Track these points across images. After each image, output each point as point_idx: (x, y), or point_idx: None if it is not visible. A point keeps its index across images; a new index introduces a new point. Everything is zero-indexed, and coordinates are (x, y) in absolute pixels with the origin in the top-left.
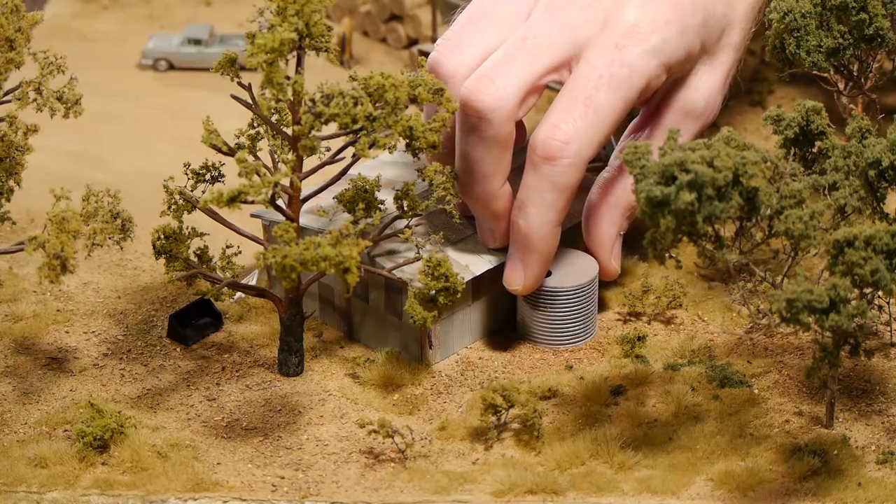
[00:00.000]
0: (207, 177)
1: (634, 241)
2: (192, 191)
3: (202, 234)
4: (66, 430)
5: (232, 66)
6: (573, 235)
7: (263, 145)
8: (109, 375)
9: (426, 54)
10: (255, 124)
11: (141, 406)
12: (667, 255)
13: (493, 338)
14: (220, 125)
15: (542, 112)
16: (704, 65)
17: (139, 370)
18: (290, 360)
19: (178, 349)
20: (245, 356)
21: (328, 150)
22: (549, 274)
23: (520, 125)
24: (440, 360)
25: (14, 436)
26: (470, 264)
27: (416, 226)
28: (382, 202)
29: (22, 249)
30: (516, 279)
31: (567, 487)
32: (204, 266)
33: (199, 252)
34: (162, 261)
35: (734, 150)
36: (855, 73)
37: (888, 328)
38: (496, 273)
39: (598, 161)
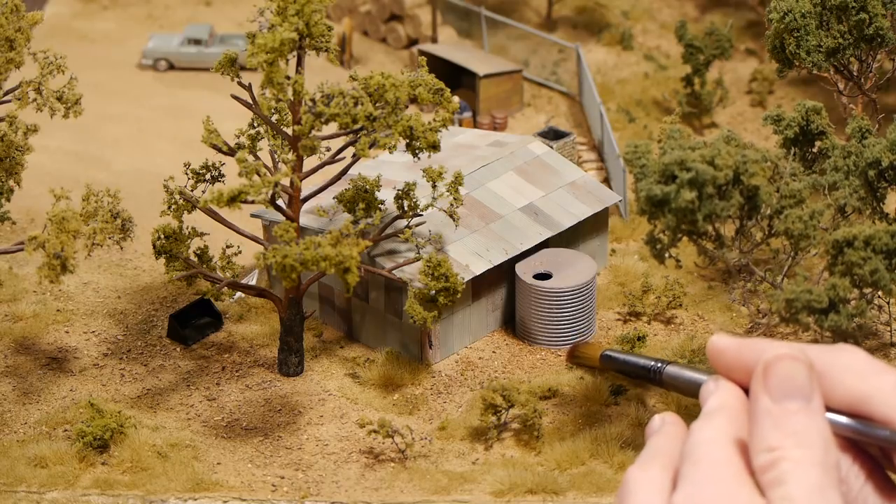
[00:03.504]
0: (207, 177)
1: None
2: (192, 191)
3: (202, 234)
4: (66, 430)
5: (232, 66)
6: (573, 235)
7: (263, 145)
8: (109, 375)
9: (426, 54)
10: (255, 124)
11: (141, 406)
12: (667, 254)
13: (492, 338)
14: (220, 125)
15: (543, 111)
16: None
17: (139, 370)
18: (290, 360)
19: (178, 349)
20: (245, 356)
21: (328, 150)
22: (549, 276)
23: None
24: (440, 360)
25: (14, 436)
26: (470, 264)
27: (417, 226)
28: (383, 202)
29: (22, 249)
30: None
31: (567, 487)
32: (204, 266)
33: (199, 252)
34: (162, 261)
35: (735, 149)
36: (855, 73)
37: (888, 328)
38: (496, 273)
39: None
